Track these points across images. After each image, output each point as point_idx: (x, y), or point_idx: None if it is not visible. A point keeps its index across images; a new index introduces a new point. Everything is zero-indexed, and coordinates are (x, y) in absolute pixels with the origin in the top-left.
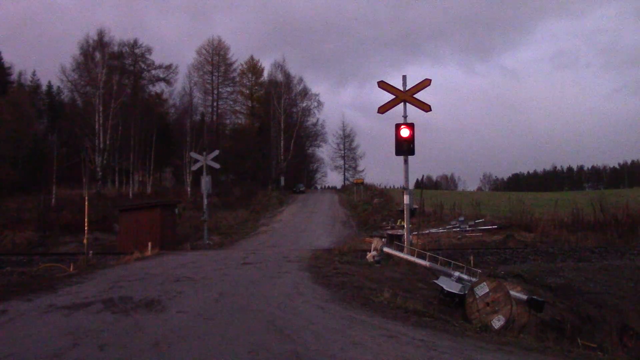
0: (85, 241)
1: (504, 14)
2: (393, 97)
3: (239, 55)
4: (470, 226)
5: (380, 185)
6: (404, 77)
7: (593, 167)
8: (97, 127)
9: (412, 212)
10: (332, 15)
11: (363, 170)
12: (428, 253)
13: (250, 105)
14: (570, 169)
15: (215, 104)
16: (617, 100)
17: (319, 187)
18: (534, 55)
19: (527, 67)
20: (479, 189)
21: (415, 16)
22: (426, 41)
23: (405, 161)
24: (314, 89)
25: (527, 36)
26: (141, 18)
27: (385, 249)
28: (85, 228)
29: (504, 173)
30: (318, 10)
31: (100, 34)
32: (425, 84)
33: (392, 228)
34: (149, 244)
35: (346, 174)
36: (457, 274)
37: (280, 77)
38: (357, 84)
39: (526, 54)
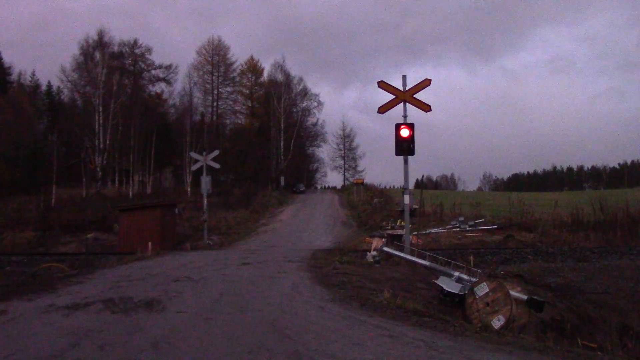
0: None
1: (503, 19)
2: (393, 97)
3: (242, 57)
4: (470, 226)
5: (380, 185)
6: (404, 77)
7: (593, 167)
8: (97, 127)
9: (412, 212)
10: (335, 19)
11: (363, 171)
12: (428, 253)
13: (250, 105)
14: (570, 169)
15: (215, 104)
16: (615, 101)
17: (318, 187)
18: (533, 58)
19: (527, 69)
20: (479, 189)
21: (418, 20)
22: (429, 44)
23: (405, 161)
24: (317, 90)
25: (526, 40)
26: (145, 20)
27: (385, 249)
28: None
29: (504, 173)
30: (322, 13)
31: (100, 34)
32: (425, 84)
33: (392, 228)
34: (149, 244)
35: (346, 174)
36: (457, 274)
37: (280, 77)
38: (360, 86)
39: (526, 57)
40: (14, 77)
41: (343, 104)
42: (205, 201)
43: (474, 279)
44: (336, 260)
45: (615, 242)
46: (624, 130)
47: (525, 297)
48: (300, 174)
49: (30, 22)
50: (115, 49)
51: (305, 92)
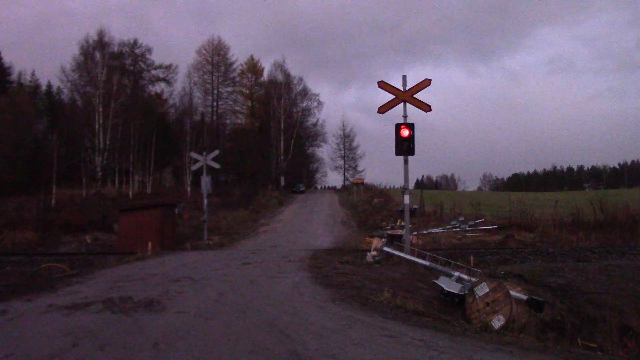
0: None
1: (503, 19)
2: (393, 97)
3: (242, 57)
4: (470, 226)
5: (380, 185)
6: (404, 77)
7: (593, 167)
8: (97, 127)
9: (412, 212)
10: (335, 19)
11: (363, 171)
12: (428, 253)
13: (250, 105)
14: (570, 169)
15: (215, 104)
16: (615, 101)
17: (318, 187)
18: (533, 58)
19: (526, 69)
20: (479, 189)
21: (418, 20)
22: (429, 44)
23: (405, 161)
24: (317, 90)
25: (526, 40)
26: (145, 20)
27: (385, 249)
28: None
29: (504, 173)
30: (322, 14)
31: (100, 34)
32: (425, 84)
33: (392, 228)
34: (149, 244)
35: (346, 174)
36: (457, 274)
37: (280, 77)
38: (360, 86)
39: (526, 57)
40: (14, 77)
41: (343, 104)
42: (205, 201)
43: (474, 279)
44: (336, 261)
45: (615, 242)
46: (624, 130)
47: (525, 297)
48: (300, 174)
49: (31, 22)
50: (115, 49)
51: (305, 92)
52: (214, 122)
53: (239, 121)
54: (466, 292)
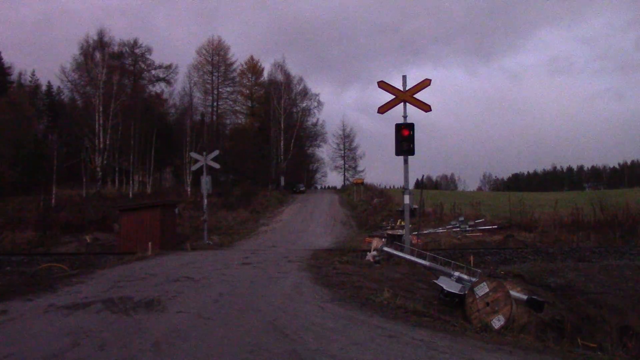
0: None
1: (503, 20)
2: (393, 97)
3: (242, 57)
4: (470, 226)
5: (380, 185)
6: (404, 77)
7: (593, 167)
8: (97, 127)
9: (412, 212)
10: (335, 19)
11: (363, 171)
12: (428, 253)
13: (250, 105)
14: (570, 169)
15: (215, 104)
16: (614, 101)
17: (318, 187)
18: (533, 59)
19: (526, 69)
20: (479, 189)
21: (418, 21)
22: (429, 45)
23: (405, 161)
24: (317, 90)
25: (525, 41)
26: (145, 20)
27: (386, 249)
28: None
29: (504, 173)
30: (322, 14)
31: (100, 34)
32: (425, 84)
33: (392, 228)
34: (149, 244)
35: (346, 174)
36: (457, 274)
37: (280, 77)
38: (360, 86)
39: (525, 58)
40: (14, 77)
41: (343, 104)
42: (205, 201)
43: (474, 279)
44: (336, 260)
45: (615, 242)
46: (623, 130)
47: (525, 297)
48: (300, 174)
49: (31, 22)
50: (115, 49)
51: (305, 92)
52: (214, 122)
53: (239, 121)
54: (466, 292)
